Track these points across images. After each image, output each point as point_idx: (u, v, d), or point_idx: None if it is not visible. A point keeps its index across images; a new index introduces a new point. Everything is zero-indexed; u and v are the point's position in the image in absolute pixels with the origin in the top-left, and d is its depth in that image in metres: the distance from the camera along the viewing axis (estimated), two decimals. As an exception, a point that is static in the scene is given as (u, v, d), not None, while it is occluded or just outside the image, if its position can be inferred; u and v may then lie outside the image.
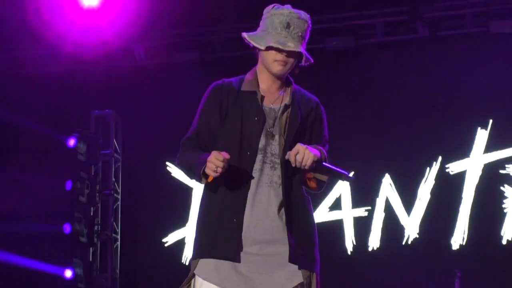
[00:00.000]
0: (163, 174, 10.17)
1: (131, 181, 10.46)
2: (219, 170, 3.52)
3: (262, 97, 3.78)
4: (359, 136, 9.74)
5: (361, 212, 9.79)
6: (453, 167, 9.63)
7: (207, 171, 3.56)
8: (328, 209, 9.79)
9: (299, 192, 3.76)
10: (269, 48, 3.72)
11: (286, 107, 3.77)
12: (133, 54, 10.51)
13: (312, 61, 3.76)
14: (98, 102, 10.45)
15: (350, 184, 9.79)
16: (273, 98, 3.80)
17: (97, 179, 10.14)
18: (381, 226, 9.71)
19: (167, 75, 10.47)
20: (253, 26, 3.90)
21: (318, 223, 3.68)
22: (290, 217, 3.68)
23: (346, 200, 9.84)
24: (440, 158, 9.64)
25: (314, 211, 3.87)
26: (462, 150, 9.62)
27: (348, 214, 9.82)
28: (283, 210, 3.68)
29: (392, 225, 9.68)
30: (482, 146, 9.59)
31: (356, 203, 9.82)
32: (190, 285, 3.71)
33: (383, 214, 9.72)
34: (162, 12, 10.08)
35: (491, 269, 9.31)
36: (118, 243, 10.35)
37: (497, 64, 9.66)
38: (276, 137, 3.73)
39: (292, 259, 3.63)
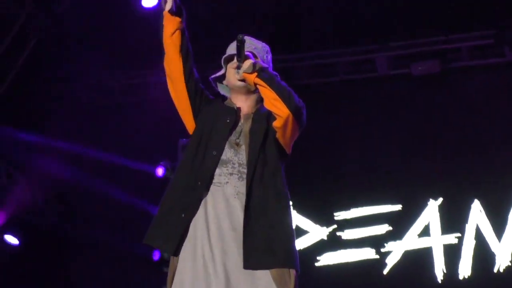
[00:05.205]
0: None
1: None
2: None
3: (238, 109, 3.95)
4: (448, 161, 9.64)
5: (451, 239, 9.65)
6: (546, 192, 9.46)
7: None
8: (417, 236, 9.66)
9: (267, 197, 3.75)
10: (224, 62, 3.99)
11: (247, 117, 3.88)
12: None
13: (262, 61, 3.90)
14: (184, 130, 10.53)
15: (439, 211, 9.69)
16: (242, 113, 3.94)
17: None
18: (471, 254, 9.56)
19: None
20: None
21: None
22: (248, 223, 3.68)
23: (435, 227, 9.71)
24: (531, 183, 9.48)
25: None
26: (555, 174, 9.45)
27: (437, 241, 9.69)
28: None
29: (483, 252, 9.51)
30: None
31: (445, 230, 9.69)
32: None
33: (473, 241, 9.57)
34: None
35: None
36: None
37: None
38: (243, 147, 3.82)
39: (245, 265, 3.64)
